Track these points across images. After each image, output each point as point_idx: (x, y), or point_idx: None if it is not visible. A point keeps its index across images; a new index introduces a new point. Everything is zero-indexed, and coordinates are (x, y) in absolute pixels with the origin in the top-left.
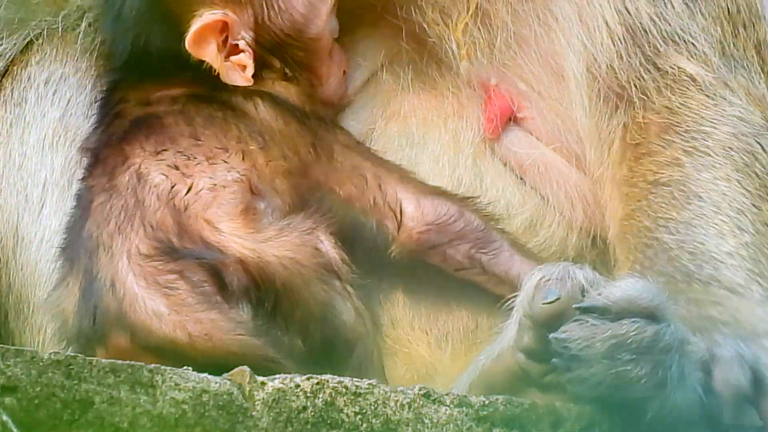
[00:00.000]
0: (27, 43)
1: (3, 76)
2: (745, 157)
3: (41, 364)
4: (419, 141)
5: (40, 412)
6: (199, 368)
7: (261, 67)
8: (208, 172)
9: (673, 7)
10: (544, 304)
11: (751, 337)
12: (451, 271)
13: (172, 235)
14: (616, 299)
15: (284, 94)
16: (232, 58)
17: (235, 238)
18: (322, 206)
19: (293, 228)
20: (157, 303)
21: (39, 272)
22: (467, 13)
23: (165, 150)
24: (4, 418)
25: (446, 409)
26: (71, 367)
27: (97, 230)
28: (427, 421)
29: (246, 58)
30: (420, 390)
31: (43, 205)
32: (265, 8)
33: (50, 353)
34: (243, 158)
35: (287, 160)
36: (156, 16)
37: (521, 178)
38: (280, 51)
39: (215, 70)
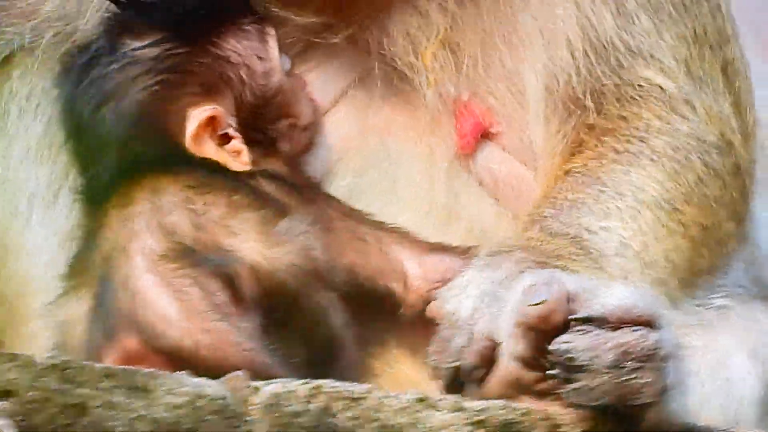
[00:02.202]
0: (7, 56)
1: None
2: (675, 165)
3: (37, 368)
4: (396, 156)
5: (36, 417)
6: (201, 375)
7: (249, 146)
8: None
9: (641, 24)
10: (531, 306)
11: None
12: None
13: (188, 238)
14: (614, 308)
15: (276, 168)
16: (226, 147)
17: (250, 243)
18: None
19: (293, 232)
20: (168, 306)
21: (29, 283)
22: (436, 38)
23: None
24: (1, 422)
25: (442, 414)
26: (67, 371)
27: (113, 235)
28: (422, 426)
29: (239, 144)
30: (416, 395)
31: (30, 217)
32: (239, 89)
33: (46, 357)
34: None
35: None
36: (146, 126)
37: (495, 197)
38: (259, 120)
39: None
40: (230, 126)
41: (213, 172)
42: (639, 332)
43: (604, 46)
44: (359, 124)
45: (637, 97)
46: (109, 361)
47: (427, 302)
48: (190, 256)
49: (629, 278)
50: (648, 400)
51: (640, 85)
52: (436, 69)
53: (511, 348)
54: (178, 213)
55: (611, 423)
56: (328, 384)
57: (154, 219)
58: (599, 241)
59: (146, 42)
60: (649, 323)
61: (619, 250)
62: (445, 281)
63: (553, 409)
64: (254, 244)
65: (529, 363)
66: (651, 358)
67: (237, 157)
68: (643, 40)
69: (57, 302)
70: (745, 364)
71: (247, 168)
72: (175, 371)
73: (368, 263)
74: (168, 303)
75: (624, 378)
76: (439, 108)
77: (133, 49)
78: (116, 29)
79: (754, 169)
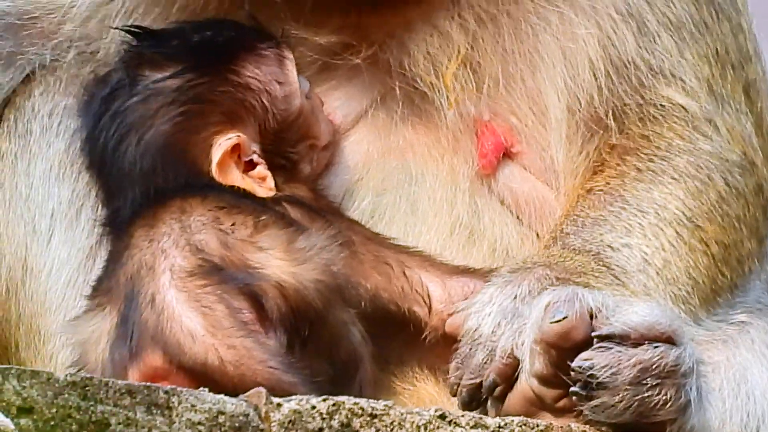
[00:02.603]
0: (29, 74)
1: (5, 107)
2: (697, 184)
3: (57, 385)
4: (418, 177)
5: None
6: (226, 392)
7: (272, 171)
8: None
9: (662, 43)
10: (552, 323)
11: None
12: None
13: (216, 257)
14: (636, 325)
15: (298, 193)
16: (250, 173)
17: (277, 261)
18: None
19: (315, 248)
20: (194, 322)
21: (48, 302)
22: (456, 58)
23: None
24: None
25: (462, 431)
26: (87, 388)
27: (140, 253)
28: None
29: (263, 170)
30: (436, 411)
31: (51, 236)
32: (261, 116)
33: (66, 375)
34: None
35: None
36: (171, 156)
37: (518, 216)
38: (281, 145)
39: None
40: (254, 152)
41: (240, 196)
42: (660, 349)
43: (626, 66)
44: (380, 144)
45: (659, 117)
46: (134, 377)
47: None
48: (218, 273)
49: (651, 295)
50: (669, 417)
51: (662, 105)
52: (457, 88)
53: (532, 365)
54: (206, 232)
55: None
56: (348, 401)
57: (183, 237)
58: (621, 257)
59: (167, 73)
60: (669, 340)
61: (641, 266)
62: None
63: (574, 425)
64: (280, 261)
65: (549, 380)
66: (672, 375)
67: (262, 183)
68: (664, 60)
69: (80, 319)
70: (765, 379)
71: (272, 193)
72: (199, 387)
73: (392, 287)
74: (194, 319)
75: (645, 395)
76: (461, 128)
77: (155, 81)
78: (135, 61)
79: None
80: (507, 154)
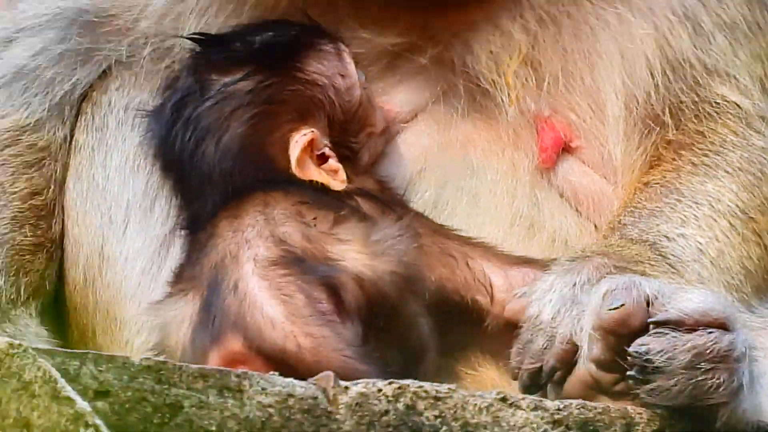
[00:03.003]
0: (105, 70)
1: (83, 101)
2: (750, 177)
3: (132, 369)
4: (478, 170)
5: (131, 416)
6: (301, 379)
7: (341, 163)
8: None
9: (717, 43)
10: (610, 310)
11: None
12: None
13: (298, 248)
14: (691, 311)
15: (366, 186)
16: (323, 166)
17: (355, 253)
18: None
19: (388, 240)
20: (274, 309)
21: (124, 290)
22: (518, 57)
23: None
24: (97, 421)
25: (522, 413)
26: (162, 372)
27: (224, 243)
28: (504, 424)
29: (335, 162)
30: (497, 394)
31: (126, 226)
32: (330, 109)
33: (141, 359)
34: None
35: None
36: (251, 157)
37: (576, 209)
38: (346, 135)
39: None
40: (325, 146)
41: (318, 191)
42: (713, 335)
43: (681, 65)
44: (441, 138)
45: (714, 114)
46: (213, 361)
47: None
48: (299, 264)
49: (705, 283)
50: (721, 400)
51: (716, 102)
52: (518, 86)
53: (590, 351)
54: (289, 224)
55: (685, 422)
56: (413, 384)
57: (267, 229)
58: (677, 247)
59: (237, 76)
60: (723, 326)
61: (696, 256)
62: None
63: (630, 407)
64: (358, 254)
65: (607, 365)
66: (725, 360)
67: (335, 176)
68: (719, 59)
69: (162, 304)
70: None
71: (345, 185)
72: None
73: (455, 277)
74: (275, 307)
75: (699, 378)
76: (521, 123)
77: (225, 85)
78: (202, 66)
79: None
80: (566, 149)
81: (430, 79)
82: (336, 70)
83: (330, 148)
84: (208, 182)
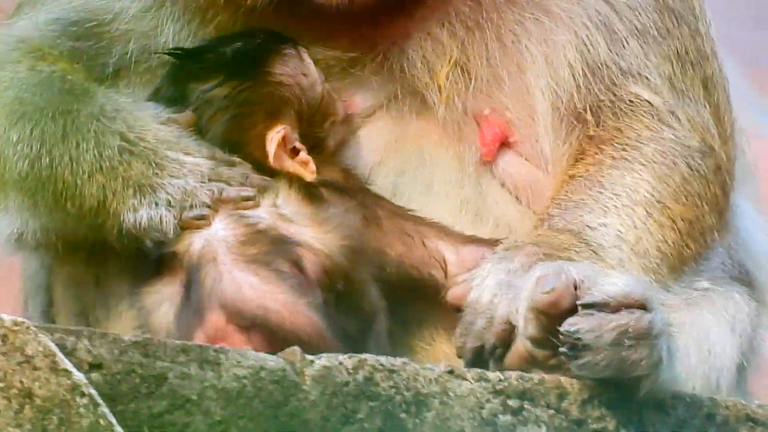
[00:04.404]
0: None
1: None
2: (665, 168)
3: (122, 344)
4: (430, 162)
5: (122, 386)
6: (278, 345)
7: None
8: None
9: (630, 47)
10: (542, 293)
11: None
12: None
13: (265, 229)
14: (614, 294)
15: (332, 175)
16: (296, 159)
17: (311, 232)
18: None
19: (337, 217)
20: (250, 284)
21: (122, 268)
22: (448, 63)
23: None
24: (92, 390)
25: (468, 384)
26: (148, 347)
27: (198, 240)
28: (451, 393)
29: (305, 155)
30: (445, 367)
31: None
32: (297, 106)
33: (130, 336)
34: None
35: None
36: (233, 146)
37: (516, 197)
38: (312, 127)
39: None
40: (296, 139)
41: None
42: (635, 314)
43: (599, 68)
44: (397, 133)
45: (629, 111)
46: (199, 338)
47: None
48: (266, 244)
49: (625, 267)
50: (643, 372)
51: (631, 101)
52: (449, 88)
53: (526, 330)
54: (260, 210)
55: (612, 391)
56: (371, 358)
57: (237, 214)
58: (599, 235)
59: (213, 84)
60: (643, 306)
61: (616, 242)
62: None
63: (563, 378)
64: (313, 233)
65: (541, 342)
66: (645, 337)
67: (306, 167)
68: (632, 61)
69: (145, 288)
70: (724, 338)
71: (314, 176)
72: (256, 344)
73: (413, 254)
74: (249, 282)
75: (623, 354)
76: (464, 120)
77: (203, 92)
78: (181, 77)
79: (733, 168)
80: (505, 144)
81: (376, 87)
82: (299, 70)
83: (300, 142)
84: None
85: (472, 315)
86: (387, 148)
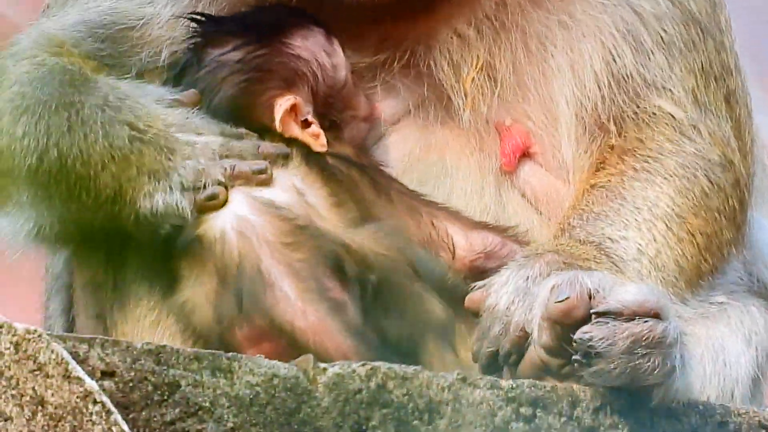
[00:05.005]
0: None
1: None
2: (685, 182)
3: (135, 352)
4: (451, 171)
5: (134, 394)
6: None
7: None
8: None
9: (655, 59)
10: (556, 302)
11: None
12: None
13: (302, 228)
14: (628, 302)
15: (344, 151)
16: (306, 131)
17: (335, 218)
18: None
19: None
20: (286, 289)
21: (140, 271)
22: (475, 67)
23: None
24: (104, 399)
25: (480, 392)
26: (161, 355)
27: (232, 231)
28: (464, 401)
29: (316, 128)
30: (458, 375)
31: None
32: (312, 82)
33: (143, 343)
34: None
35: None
36: (239, 116)
37: (536, 208)
38: (329, 109)
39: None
40: (308, 113)
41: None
42: (649, 323)
43: (624, 79)
44: (422, 141)
45: (652, 123)
46: (241, 340)
47: (470, 269)
48: (307, 247)
49: (644, 280)
50: (656, 381)
51: (653, 113)
52: (474, 91)
53: (540, 338)
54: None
55: (624, 399)
56: (383, 365)
57: (273, 208)
58: (619, 248)
59: (228, 48)
60: (657, 315)
61: (636, 256)
62: (486, 253)
63: (575, 387)
64: (337, 220)
65: (554, 351)
66: (659, 345)
67: (316, 139)
68: (657, 74)
69: (177, 289)
70: (739, 349)
71: (325, 149)
72: (292, 349)
73: (421, 233)
74: (286, 286)
75: (636, 362)
76: (485, 130)
77: (219, 55)
78: (200, 43)
79: (752, 183)
80: (526, 154)
81: (403, 92)
82: (321, 47)
83: (313, 116)
84: None
85: (489, 320)
86: (411, 157)
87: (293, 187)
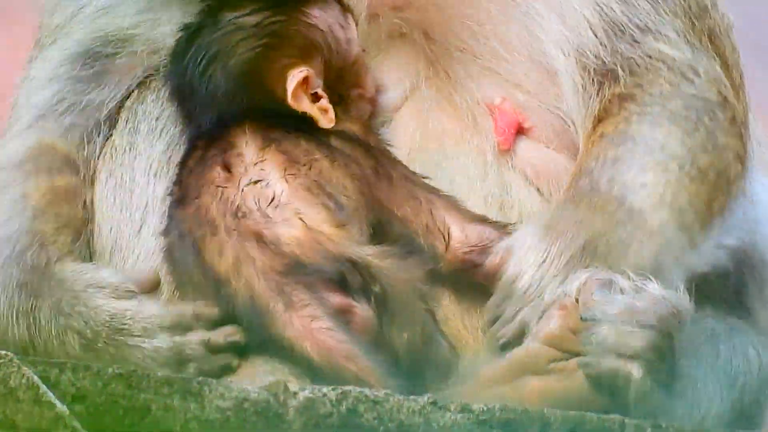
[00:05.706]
0: (144, 81)
1: (119, 110)
2: (689, 122)
3: (106, 376)
4: (452, 155)
5: (105, 418)
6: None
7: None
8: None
9: (641, 6)
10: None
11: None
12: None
13: (296, 249)
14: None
15: (351, 128)
16: (316, 105)
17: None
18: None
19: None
20: (288, 314)
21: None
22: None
23: (260, 180)
24: (75, 423)
25: (451, 415)
26: (131, 379)
27: (219, 261)
28: (434, 425)
29: (326, 103)
30: (429, 399)
31: (142, 225)
32: (327, 54)
33: (113, 368)
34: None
35: (354, 175)
36: (251, 81)
37: (538, 188)
38: (338, 84)
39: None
40: (319, 86)
41: (303, 129)
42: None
43: (618, 26)
44: (421, 128)
45: (651, 67)
46: None
47: (463, 262)
48: (301, 266)
49: (665, 229)
50: (646, 356)
51: (651, 56)
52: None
53: (542, 327)
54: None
55: (594, 424)
56: (354, 389)
57: (254, 238)
58: (639, 200)
59: (245, 12)
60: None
61: (657, 205)
62: (480, 247)
63: (546, 410)
64: (329, 228)
65: (552, 341)
66: (661, 321)
67: (325, 114)
68: (647, 19)
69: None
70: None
71: (332, 125)
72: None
73: (418, 219)
74: (288, 311)
75: (630, 329)
76: (477, 111)
77: (236, 17)
78: (216, 5)
79: (747, 118)
80: (521, 131)
81: (406, 69)
82: (337, 20)
83: (323, 90)
84: (211, 102)
85: (502, 297)
86: (411, 147)
87: (295, 212)
